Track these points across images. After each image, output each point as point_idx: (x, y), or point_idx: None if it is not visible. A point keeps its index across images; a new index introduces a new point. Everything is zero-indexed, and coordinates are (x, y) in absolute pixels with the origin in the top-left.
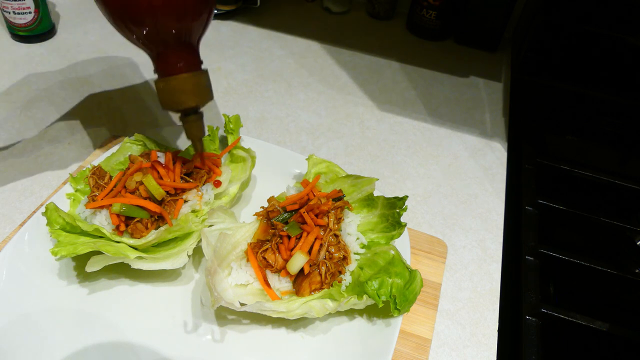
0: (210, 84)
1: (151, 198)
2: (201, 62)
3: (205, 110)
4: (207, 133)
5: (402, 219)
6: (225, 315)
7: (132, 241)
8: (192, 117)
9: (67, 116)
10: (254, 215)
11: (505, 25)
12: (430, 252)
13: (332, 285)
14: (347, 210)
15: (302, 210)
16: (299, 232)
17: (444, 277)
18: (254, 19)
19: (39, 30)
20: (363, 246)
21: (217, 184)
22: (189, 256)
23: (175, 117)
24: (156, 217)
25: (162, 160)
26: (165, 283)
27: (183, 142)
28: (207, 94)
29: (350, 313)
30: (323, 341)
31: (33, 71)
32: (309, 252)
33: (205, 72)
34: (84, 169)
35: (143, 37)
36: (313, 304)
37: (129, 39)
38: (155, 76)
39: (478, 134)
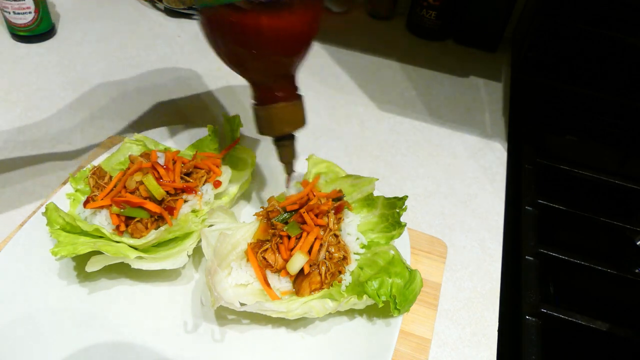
0: (305, 111)
1: (151, 198)
2: (298, 89)
3: (206, 110)
4: (298, 157)
5: (402, 219)
6: (225, 315)
7: (132, 241)
8: (286, 142)
9: (67, 116)
10: (254, 215)
11: (505, 25)
12: (430, 252)
13: (332, 285)
14: (347, 210)
15: (302, 210)
16: (299, 232)
17: (444, 277)
18: None
19: (39, 30)
20: (363, 246)
21: (217, 184)
22: (189, 256)
23: (175, 116)
24: (156, 217)
25: (162, 160)
26: (165, 283)
27: (183, 142)
28: (302, 121)
29: (350, 313)
30: (323, 341)
31: (33, 71)
32: (309, 252)
33: (301, 99)
34: (84, 169)
35: (252, 69)
36: (313, 304)
37: (235, 69)
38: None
39: (478, 134)
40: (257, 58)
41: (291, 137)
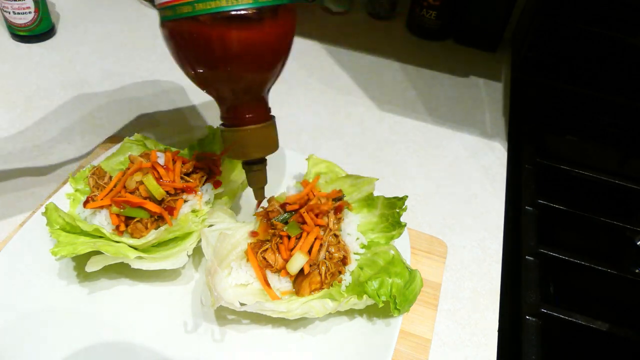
0: (276, 134)
1: (151, 198)
2: (269, 111)
3: (206, 110)
4: (267, 182)
5: (402, 219)
6: (225, 315)
7: (132, 241)
8: (256, 167)
9: (67, 116)
10: (254, 215)
11: (505, 25)
12: (430, 252)
13: (332, 285)
14: (347, 210)
15: (302, 210)
16: (299, 232)
17: (444, 277)
18: None
19: (39, 30)
20: (363, 246)
21: (217, 184)
22: (188, 256)
23: (174, 117)
24: (156, 217)
25: (162, 160)
26: (165, 283)
27: (183, 142)
28: (273, 145)
29: (350, 313)
30: (323, 341)
31: (33, 71)
32: (309, 252)
33: (273, 122)
34: (84, 169)
35: (220, 88)
36: (313, 304)
37: (202, 87)
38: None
39: (478, 134)
40: (224, 76)
41: (262, 162)
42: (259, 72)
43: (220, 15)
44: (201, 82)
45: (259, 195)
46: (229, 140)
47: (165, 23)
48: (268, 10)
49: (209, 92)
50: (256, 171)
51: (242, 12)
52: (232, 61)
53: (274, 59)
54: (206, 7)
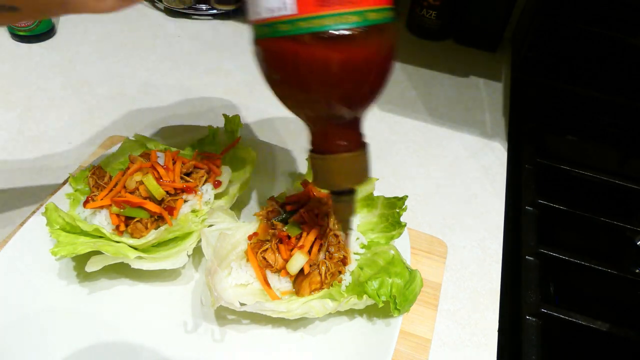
0: (369, 162)
1: (151, 198)
2: (363, 137)
3: (206, 110)
4: (355, 214)
5: (402, 219)
6: (225, 315)
7: (132, 241)
8: (345, 198)
9: (67, 116)
10: (254, 215)
11: (505, 25)
12: (430, 252)
13: (332, 285)
14: None
15: (302, 210)
16: (298, 232)
17: (444, 277)
18: None
19: (39, 30)
20: (363, 246)
21: (217, 184)
22: (188, 256)
23: (175, 117)
24: (156, 217)
25: (162, 160)
26: (165, 283)
27: (183, 142)
28: (365, 175)
29: (350, 313)
30: (323, 341)
31: (33, 71)
32: (309, 252)
33: (366, 149)
34: (84, 169)
35: (315, 112)
36: (313, 304)
37: (294, 111)
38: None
39: (478, 134)
40: (321, 99)
41: (351, 192)
42: (358, 96)
43: (323, 34)
44: (293, 105)
45: (345, 227)
46: (320, 168)
47: (259, 41)
48: (374, 29)
49: (299, 116)
50: (344, 202)
51: (348, 32)
52: (333, 84)
53: (376, 81)
54: (309, 26)
